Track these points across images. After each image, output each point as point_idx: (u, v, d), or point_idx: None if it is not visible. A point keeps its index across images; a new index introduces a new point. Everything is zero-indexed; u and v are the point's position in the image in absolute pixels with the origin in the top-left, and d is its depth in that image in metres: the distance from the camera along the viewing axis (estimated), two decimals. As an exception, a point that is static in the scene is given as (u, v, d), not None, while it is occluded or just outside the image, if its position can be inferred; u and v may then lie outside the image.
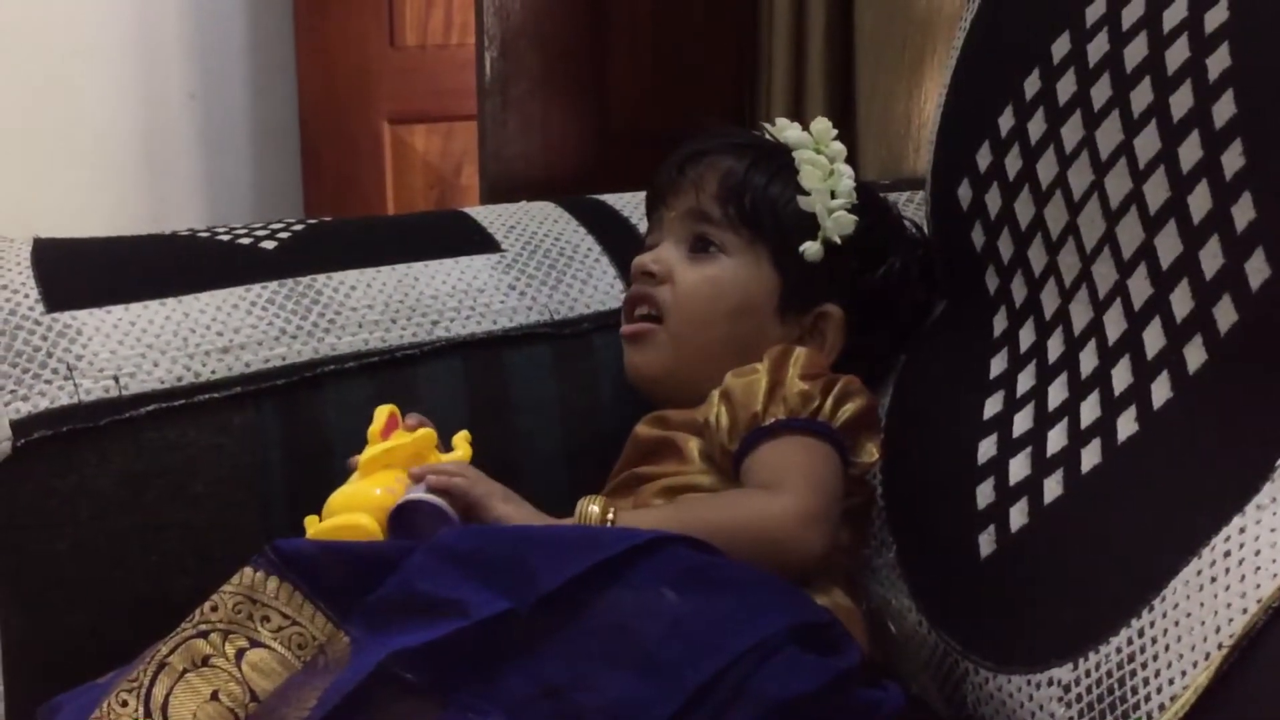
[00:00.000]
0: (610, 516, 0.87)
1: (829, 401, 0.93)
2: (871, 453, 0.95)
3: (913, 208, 1.19)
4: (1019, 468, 0.90)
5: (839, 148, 1.06)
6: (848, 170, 1.05)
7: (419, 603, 0.73)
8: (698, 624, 0.75)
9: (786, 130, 1.07)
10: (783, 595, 0.79)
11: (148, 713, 0.75)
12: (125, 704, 0.75)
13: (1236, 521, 0.74)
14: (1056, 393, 0.91)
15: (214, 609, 0.77)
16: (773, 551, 0.85)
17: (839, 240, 1.02)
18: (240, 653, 0.76)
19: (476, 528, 0.84)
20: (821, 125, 1.07)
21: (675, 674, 0.72)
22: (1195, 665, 0.71)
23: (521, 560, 0.76)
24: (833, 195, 1.03)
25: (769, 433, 0.92)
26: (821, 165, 1.04)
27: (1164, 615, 0.74)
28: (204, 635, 0.77)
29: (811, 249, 1.02)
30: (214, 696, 0.75)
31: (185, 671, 0.76)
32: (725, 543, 0.82)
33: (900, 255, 1.07)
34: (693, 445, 0.96)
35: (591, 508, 0.87)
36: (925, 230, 1.14)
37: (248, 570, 0.78)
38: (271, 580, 0.77)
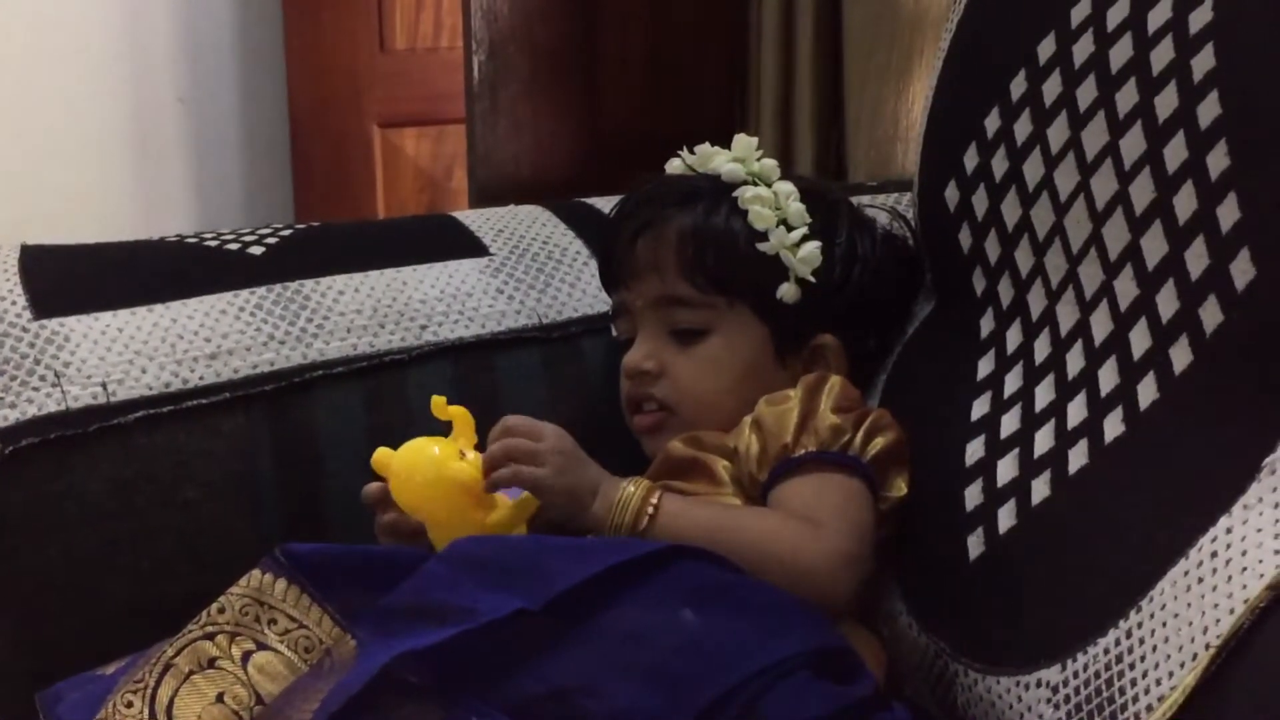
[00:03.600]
0: (654, 502, 0.87)
1: (859, 435, 0.92)
2: (900, 488, 0.94)
3: (900, 209, 1.19)
4: (1007, 469, 0.90)
5: (770, 164, 1.03)
6: (789, 188, 1.02)
7: (430, 609, 0.73)
8: (712, 642, 0.75)
9: (713, 160, 1.04)
10: (800, 619, 0.79)
11: (153, 714, 0.75)
12: (130, 705, 0.75)
13: (1223, 522, 0.74)
14: (1044, 394, 0.91)
15: (221, 611, 0.77)
16: (802, 584, 0.84)
17: (812, 277, 1.01)
18: (246, 655, 0.76)
19: (494, 536, 0.84)
20: (744, 145, 1.04)
21: (686, 689, 0.72)
22: (1183, 666, 0.71)
23: (538, 563, 0.76)
24: (788, 227, 1.01)
25: (799, 465, 0.91)
26: (766, 199, 1.01)
27: (1151, 616, 0.74)
28: (210, 637, 0.77)
29: (788, 291, 1.00)
30: (219, 699, 0.75)
31: (191, 673, 0.76)
32: (756, 558, 0.83)
33: (864, 243, 1.05)
34: (722, 468, 0.94)
35: (629, 488, 0.87)
36: (905, 220, 1.14)
37: (256, 572, 0.78)
38: (280, 583, 0.77)
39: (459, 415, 0.89)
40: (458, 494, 0.86)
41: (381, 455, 0.89)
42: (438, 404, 0.89)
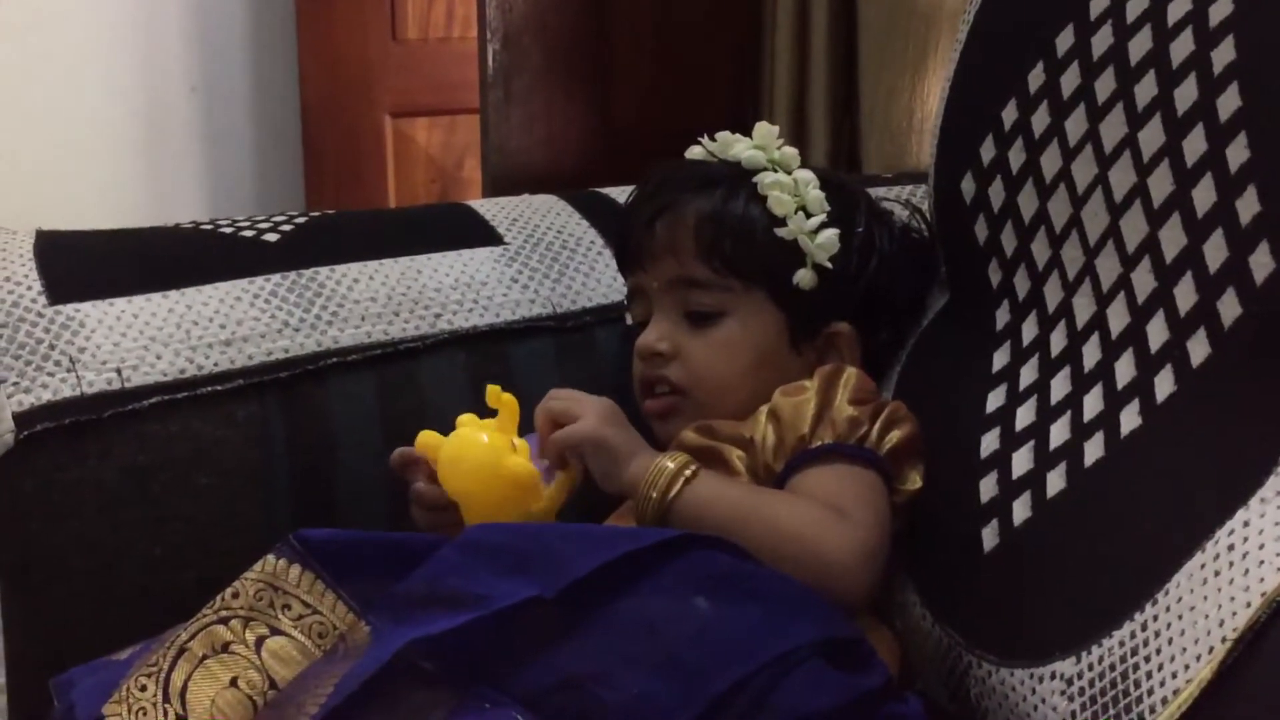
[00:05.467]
0: (690, 470, 0.88)
1: (876, 428, 0.92)
2: (915, 480, 0.94)
3: (915, 201, 1.19)
4: (1022, 461, 0.90)
5: (791, 152, 1.03)
6: (809, 176, 1.02)
7: (444, 596, 0.73)
8: (725, 631, 0.75)
9: (734, 147, 1.04)
10: (813, 608, 0.79)
11: (166, 698, 0.75)
12: (144, 688, 0.75)
13: (1240, 515, 0.73)
14: (1059, 386, 0.91)
15: (235, 595, 0.77)
16: (823, 574, 0.83)
17: (829, 264, 1.01)
18: (260, 640, 0.76)
19: (509, 524, 0.84)
20: (765, 133, 1.04)
21: (698, 678, 0.71)
22: (1199, 659, 0.71)
23: (552, 550, 0.76)
24: (806, 214, 1.01)
25: (816, 456, 0.91)
26: (786, 185, 1.01)
27: (1167, 609, 0.74)
28: (224, 622, 0.77)
29: (805, 278, 1.00)
30: (233, 683, 0.75)
31: (205, 657, 0.76)
32: (781, 539, 0.83)
33: (881, 236, 1.05)
34: (737, 458, 0.94)
35: (667, 461, 0.88)
36: (921, 213, 1.13)
37: (270, 558, 0.78)
38: (294, 568, 0.77)
39: (509, 404, 0.90)
40: (509, 487, 0.88)
41: (428, 438, 0.90)
42: (492, 392, 0.90)
